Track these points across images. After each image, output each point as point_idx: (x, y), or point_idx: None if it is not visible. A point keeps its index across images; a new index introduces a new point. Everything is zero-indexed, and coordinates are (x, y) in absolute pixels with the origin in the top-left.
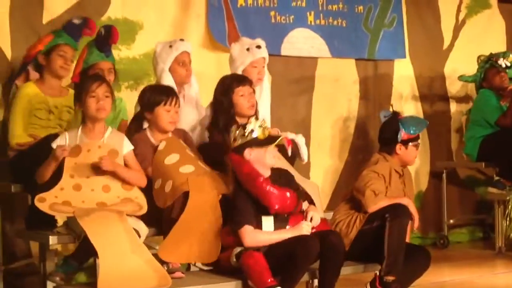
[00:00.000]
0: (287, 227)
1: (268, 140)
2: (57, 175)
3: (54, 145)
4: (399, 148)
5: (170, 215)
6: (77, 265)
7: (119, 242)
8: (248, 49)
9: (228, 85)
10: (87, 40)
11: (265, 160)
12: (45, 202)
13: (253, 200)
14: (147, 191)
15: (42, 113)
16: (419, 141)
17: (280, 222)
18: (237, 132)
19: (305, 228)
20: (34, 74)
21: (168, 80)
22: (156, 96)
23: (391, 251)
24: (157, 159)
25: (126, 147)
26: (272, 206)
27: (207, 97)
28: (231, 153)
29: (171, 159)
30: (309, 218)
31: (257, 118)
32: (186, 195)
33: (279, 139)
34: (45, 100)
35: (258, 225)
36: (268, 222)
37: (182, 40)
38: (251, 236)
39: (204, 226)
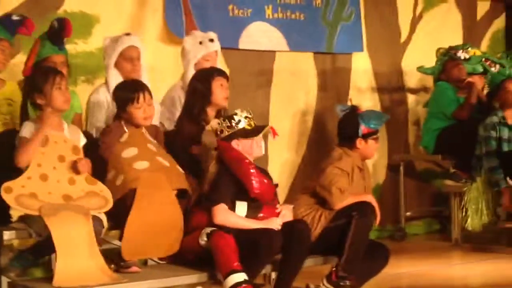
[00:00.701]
0: (259, 215)
1: (255, 130)
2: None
3: (22, 133)
4: (359, 142)
5: (125, 210)
6: (34, 260)
7: (80, 246)
8: (200, 43)
9: (208, 73)
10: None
11: (252, 151)
12: (12, 193)
13: (234, 183)
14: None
15: None
16: (378, 134)
17: (253, 209)
18: (224, 123)
19: (275, 224)
20: None
21: (113, 76)
22: (124, 95)
23: (352, 247)
24: (116, 150)
25: (83, 140)
26: (253, 189)
27: (163, 92)
28: (219, 140)
29: (129, 152)
30: (281, 215)
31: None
32: (135, 192)
33: (266, 128)
34: None
35: (232, 208)
36: (241, 207)
37: (128, 34)
38: (223, 214)
39: (160, 222)
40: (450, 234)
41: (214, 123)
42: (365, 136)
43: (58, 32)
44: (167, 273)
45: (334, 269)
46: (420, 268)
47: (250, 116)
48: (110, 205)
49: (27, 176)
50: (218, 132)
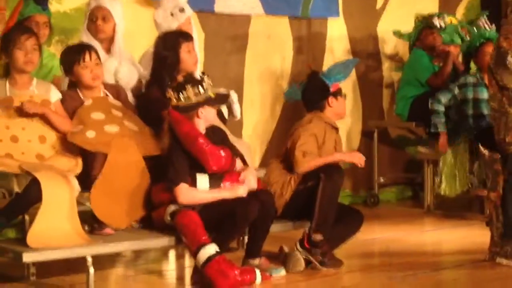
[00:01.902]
0: (222, 185)
1: (219, 99)
2: None
3: None
4: (331, 101)
5: (91, 172)
6: (6, 222)
7: (62, 206)
8: (172, 14)
9: (174, 40)
10: None
11: (211, 118)
12: None
13: (188, 157)
14: None
15: None
16: (344, 92)
17: (215, 180)
18: (191, 89)
19: (241, 191)
20: None
21: (84, 37)
22: (70, 57)
23: (321, 209)
24: (82, 111)
25: (54, 95)
26: (211, 166)
27: (140, 54)
28: (172, 110)
29: (97, 116)
30: (247, 183)
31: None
32: (106, 156)
33: (229, 99)
34: None
35: (193, 183)
36: (203, 179)
37: None
38: (186, 194)
39: (129, 186)
40: (423, 201)
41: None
42: (335, 94)
43: None
44: (139, 236)
45: (306, 233)
46: (393, 234)
47: (209, 81)
48: (79, 167)
49: None
50: (182, 98)
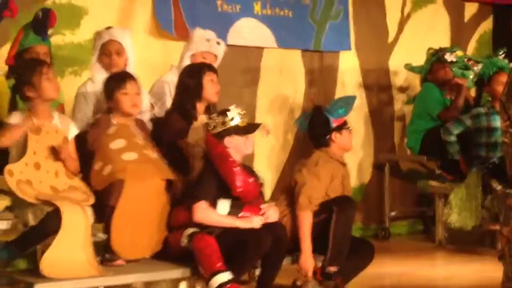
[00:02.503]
0: (240, 214)
1: (249, 128)
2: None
3: (11, 121)
4: (334, 136)
5: (107, 202)
6: (19, 252)
7: (77, 236)
8: (208, 40)
9: (198, 69)
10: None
11: (243, 148)
12: (13, 176)
13: (218, 180)
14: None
15: None
16: (349, 125)
17: (235, 208)
18: (217, 119)
19: (255, 222)
20: None
21: (96, 70)
22: (112, 83)
23: (335, 242)
24: (103, 141)
25: (72, 131)
26: (236, 187)
27: (151, 83)
28: (208, 134)
29: (117, 144)
30: (267, 215)
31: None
32: (123, 183)
33: (259, 127)
34: None
35: (213, 206)
36: (223, 205)
37: (109, 28)
38: (203, 212)
39: (148, 213)
40: (434, 235)
41: (204, 118)
42: (338, 128)
43: (42, 22)
44: (152, 267)
45: (319, 267)
46: (403, 268)
47: (242, 113)
48: (92, 200)
49: (25, 162)
50: (210, 128)
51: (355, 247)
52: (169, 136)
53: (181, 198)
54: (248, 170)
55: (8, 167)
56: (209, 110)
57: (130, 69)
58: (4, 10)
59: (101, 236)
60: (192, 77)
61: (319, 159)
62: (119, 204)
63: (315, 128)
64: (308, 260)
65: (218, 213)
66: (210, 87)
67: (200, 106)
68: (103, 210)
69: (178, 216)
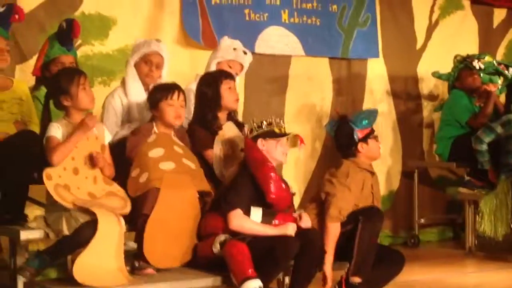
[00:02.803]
0: (273, 222)
1: (282, 134)
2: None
3: (51, 133)
4: (361, 147)
5: (142, 211)
6: (50, 262)
7: (111, 244)
8: (234, 49)
9: (215, 78)
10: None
11: (274, 153)
12: (52, 180)
13: (253, 186)
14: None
15: None
16: (375, 133)
17: (268, 216)
18: (254, 123)
19: (290, 229)
20: None
21: (130, 74)
22: (159, 92)
23: (360, 252)
24: (142, 149)
25: (107, 138)
26: (271, 193)
27: None
28: (247, 138)
29: (156, 152)
30: (302, 220)
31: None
32: (158, 191)
33: (293, 134)
34: None
35: (247, 214)
36: (256, 213)
37: (158, 40)
38: (239, 220)
39: (180, 223)
40: (464, 242)
41: (231, 124)
42: (364, 139)
43: (67, 33)
44: (182, 276)
45: (344, 275)
46: (434, 275)
47: (282, 123)
48: (129, 207)
49: (63, 166)
50: (248, 132)
51: (385, 257)
52: (194, 147)
53: (212, 205)
54: (283, 180)
55: (46, 171)
56: (232, 117)
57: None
58: (11, 16)
59: (132, 244)
60: (209, 86)
61: (349, 170)
62: (153, 212)
63: (341, 139)
64: (328, 270)
65: (253, 221)
66: (228, 95)
67: (222, 115)
68: (136, 219)
69: (209, 223)
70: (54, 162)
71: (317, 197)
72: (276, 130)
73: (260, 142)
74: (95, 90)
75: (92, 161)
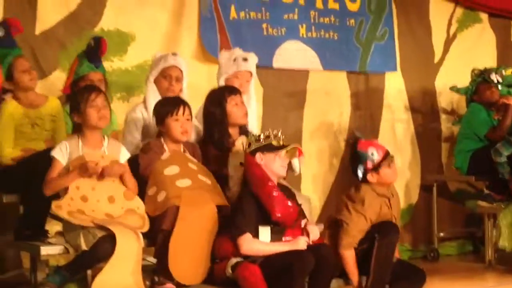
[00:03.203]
0: (283, 239)
1: (281, 147)
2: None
3: (55, 154)
4: (371, 177)
5: (161, 226)
6: (70, 277)
7: (129, 260)
8: (234, 60)
9: (220, 96)
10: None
11: (273, 166)
12: (63, 209)
13: (257, 205)
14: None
15: (27, 127)
16: (390, 156)
17: (277, 234)
18: (253, 137)
19: (301, 243)
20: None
21: (151, 91)
22: (164, 108)
23: (377, 268)
24: (157, 167)
25: (124, 156)
26: (275, 212)
27: (197, 108)
28: (247, 154)
29: (171, 170)
30: (310, 234)
31: (246, 131)
32: (178, 209)
33: (290, 146)
34: (27, 113)
35: (255, 234)
36: (265, 232)
37: (174, 54)
38: (249, 244)
39: (201, 239)
40: (484, 255)
41: (244, 138)
42: (374, 169)
43: (95, 51)
44: None
45: None
46: None
47: (280, 136)
48: (146, 227)
49: (70, 197)
50: (246, 146)
51: (406, 274)
52: (208, 165)
53: (221, 225)
54: (286, 191)
55: (55, 203)
56: (244, 131)
57: (184, 96)
58: (13, 32)
59: (151, 260)
60: (215, 105)
61: (365, 196)
62: (175, 230)
63: (352, 168)
64: None
65: (263, 242)
66: (236, 112)
67: (233, 130)
68: (155, 234)
69: (220, 247)
70: (45, 192)
71: (333, 221)
72: (274, 143)
73: (259, 156)
74: (114, 106)
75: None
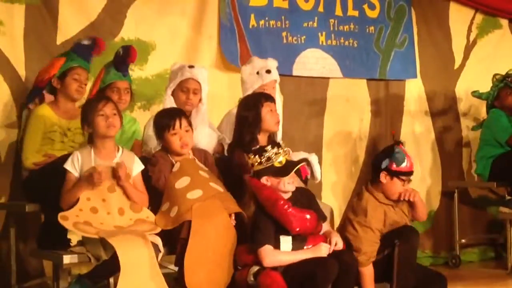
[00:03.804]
0: (305, 247)
1: (283, 170)
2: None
3: (67, 166)
4: (384, 177)
5: (179, 235)
6: (91, 285)
7: (142, 267)
8: (258, 73)
9: (255, 100)
10: (100, 61)
11: (280, 187)
12: (68, 220)
13: (273, 220)
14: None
15: (56, 135)
16: (411, 177)
17: (299, 242)
18: (253, 158)
19: (323, 250)
20: (48, 97)
21: (168, 103)
22: (161, 122)
23: (400, 274)
24: (169, 182)
25: (137, 167)
26: (293, 228)
27: (219, 118)
28: (250, 177)
29: (182, 182)
30: (333, 244)
31: (275, 144)
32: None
33: (296, 168)
34: (59, 122)
35: (276, 245)
36: (286, 242)
37: (191, 67)
38: (270, 256)
39: (218, 249)
40: (506, 262)
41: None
42: (393, 173)
43: (123, 59)
44: None
45: None
46: None
47: (280, 152)
48: (159, 228)
49: (79, 208)
50: (250, 165)
51: (427, 280)
52: (234, 170)
53: (245, 235)
54: (304, 197)
55: (61, 214)
56: (271, 139)
57: (202, 106)
58: (95, 49)
59: (171, 268)
60: (250, 110)
61: (368, 204)
62: (189, 244)
63: (376, 157)
64: None
65: (285, 252)
66: (270, 118)
67: (262, 137)
68: (175, 242)
69: (243, 255)
70: (62, 207)
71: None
72: (277, 165)
73: (265, 180)
74: (135, 115)
75: (112, 188)
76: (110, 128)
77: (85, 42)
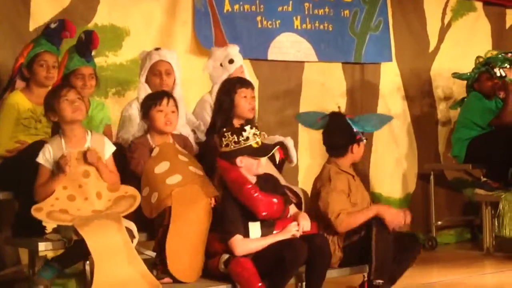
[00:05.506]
0: (274, 232)
1: (262, 150)
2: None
3: (40, 160)
4: (355, 148)
5: (163, 222)
6: (60, 269)
7: (117, 253)
8: (221, 65)
9: (230, 86)
10: (68, 43)
11: (253, 169)
12: (42, 211)
13: (240, 206)
14: None
15: (29, 122)
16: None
17: (267, 227)
18: (231, 137)
19: (293, 230)
20: (19, 83)
21: (143, 91)
22: (148, 101)
23: (378, 255)
24: (148, 166)
25: (108, 148)
26: (260, 212)
27: (194, 102)
28: (219, 158)
29: (162, 167)
30: (300, 228)
31: (252, 126)
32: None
33: (275, 148)
34: (33, 109)
35: (246, 232)
36: (255, 228)
37: (158, 49)
38: (241, 245)
39: (199, 235)
40: (482, 243)
41: (219, 135)
42: (359, 140)
43: (86, 45)
44: (198, 284)
45: (365, 279)
46: (452, 277)
47: (258, 133)
48: (138, 200)
49: (55, 197)
50: (223, 145)
51: (400, 243)
52: (211, 154)
53: (213, 223)
54: (269, 182)
55: (35, 206)
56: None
57: (178, 89)
58: (63, 32)
59: (149, 253)
60: (226, 94)
61: (330, 173)
62: (169, 230)
63: (335, 136)
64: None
65: (254, 239)
66: (243, 104)
67: (237, 123)
68: (156, 228)
69: (214, 243)
70: (36, 200)
71: (316, 214)
72: (254, 145)
73: (239, 160)
74: (110, 101)
75: (87, 173)
76: (77, 112)
77: (53, 25)
